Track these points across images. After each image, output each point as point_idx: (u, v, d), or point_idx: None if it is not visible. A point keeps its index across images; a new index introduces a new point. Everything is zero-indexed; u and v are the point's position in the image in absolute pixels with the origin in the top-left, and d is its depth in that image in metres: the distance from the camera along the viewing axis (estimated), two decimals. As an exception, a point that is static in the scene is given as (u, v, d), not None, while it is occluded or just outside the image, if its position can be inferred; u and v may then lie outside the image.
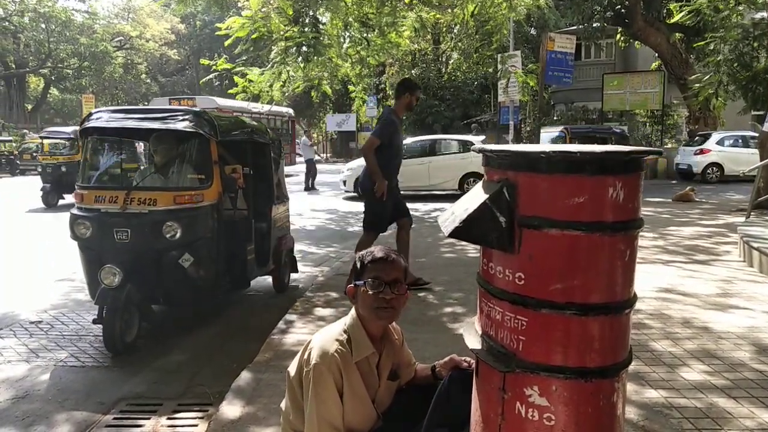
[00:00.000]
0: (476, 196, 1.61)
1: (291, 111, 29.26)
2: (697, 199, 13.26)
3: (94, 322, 4.52)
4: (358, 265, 2.09)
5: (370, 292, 2.01)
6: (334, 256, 8.11)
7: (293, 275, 6.67)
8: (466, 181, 15.14)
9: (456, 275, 6.26)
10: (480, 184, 1.72)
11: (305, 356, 2.03)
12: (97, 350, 4.52)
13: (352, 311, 2.13)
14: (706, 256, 7.14)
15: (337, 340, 2.03)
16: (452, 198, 11.34)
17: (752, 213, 9.03)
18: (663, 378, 3.53)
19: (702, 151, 18.60)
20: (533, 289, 1.50)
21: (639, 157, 1.46)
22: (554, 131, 19.66)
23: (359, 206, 13.58)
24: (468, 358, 2.16)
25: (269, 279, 6.25)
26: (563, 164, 1.43)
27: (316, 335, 2.12)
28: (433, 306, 5.20)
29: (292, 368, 2.10)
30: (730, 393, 3.31)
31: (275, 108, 22.49)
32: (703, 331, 4.37)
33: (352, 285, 2.11)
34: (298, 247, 7.34)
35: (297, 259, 6.81)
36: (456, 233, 1.55)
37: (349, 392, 1.99)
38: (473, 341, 1.70)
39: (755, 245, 6.40)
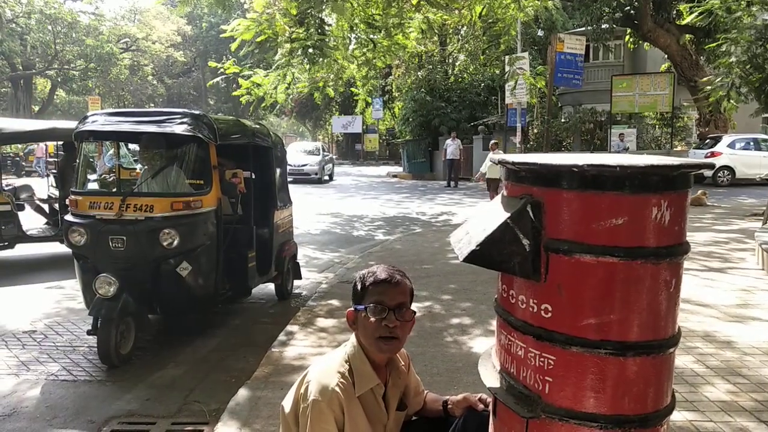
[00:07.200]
0: (495, 214, 1.40)
1: None
2: (709, 203, 12.98)
3: (89, 333, 4.34)
4: (359, 287, 1.87)
5: (372, 319, 1.80)
6: (339, 262, 7.91)
7: (297, 282, 6.49)
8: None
9: (464, 284, 6.05)
10: (498, 199, 1.51)
11: (302, 390, 1.82)
12: (90, 363, 4.34)
13: (353, 337, 1.92)
14: (722, 264, 6.90)
15: (338, 372, 1.82)
16: None
17: (768, 219, 8.76)
18: (686, 398, 3.32)
19: (713, 154, 18.29)
20: (562, 324, 1.29)
21: (689, 171, 1.24)
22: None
23: (364, 210, 13.35)
24: (484, 397, 1.94)
25: (272, 286, 6.07)
26: (599, 180, 1.22)
27: (314, 365, 1.91)
28: (440, 317, 4.99)
29: (287, 403, 1.89)
30: (760, 416, 3.10)
31: None
32: (725, 346, 4.15)
33: (351, 309, 1.89)
34: (301, 252, 7.14)
35: (300, 265, 6.62)
36: (472, 257, 1.34)
37: (351, 430, 1.79)
38: (491, 378, 1.50)
39: (775, 253, 6.16)
